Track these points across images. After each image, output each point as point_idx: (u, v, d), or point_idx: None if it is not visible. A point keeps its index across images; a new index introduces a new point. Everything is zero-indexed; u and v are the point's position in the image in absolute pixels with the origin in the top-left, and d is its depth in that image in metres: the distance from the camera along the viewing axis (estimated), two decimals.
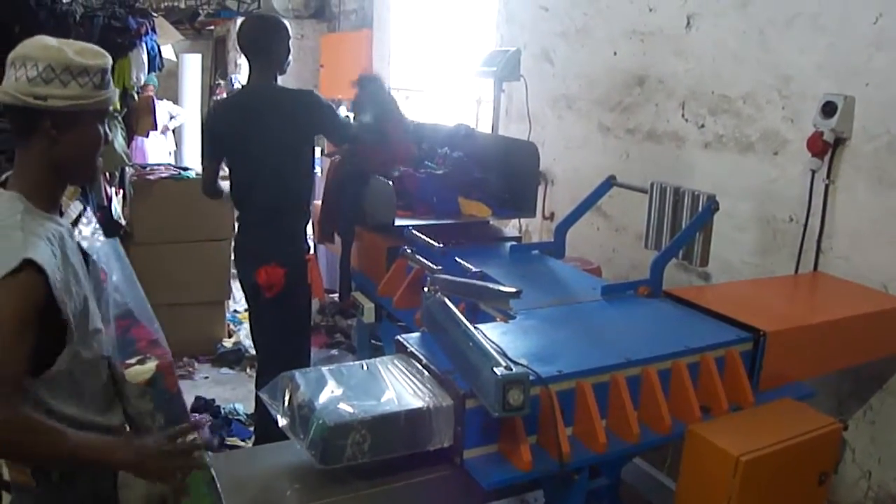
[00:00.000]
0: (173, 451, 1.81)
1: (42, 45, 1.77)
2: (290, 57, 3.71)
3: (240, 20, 9.11)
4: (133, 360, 1.86)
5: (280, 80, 3.75)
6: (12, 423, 1.62)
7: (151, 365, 1.86)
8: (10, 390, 1.63)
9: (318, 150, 5.10)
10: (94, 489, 1.97)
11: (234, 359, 5.61)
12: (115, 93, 1.91)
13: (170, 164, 6.51)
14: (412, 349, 2.33)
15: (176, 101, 9.14)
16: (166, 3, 9.73)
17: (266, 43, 3.61)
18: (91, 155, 1.90)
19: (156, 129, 5.86)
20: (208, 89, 10.35)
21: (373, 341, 4.10)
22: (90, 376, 1.91)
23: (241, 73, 9.00)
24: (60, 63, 1.76)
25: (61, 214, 1.94)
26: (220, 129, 3.73)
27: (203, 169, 3.93)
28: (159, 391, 1.88)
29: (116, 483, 2.08)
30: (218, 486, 1.97)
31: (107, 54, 1.89)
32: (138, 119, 5.21)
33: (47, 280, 1.69)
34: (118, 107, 4.66)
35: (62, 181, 1.91)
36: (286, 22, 3.74)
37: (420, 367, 2.25)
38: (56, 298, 1.72)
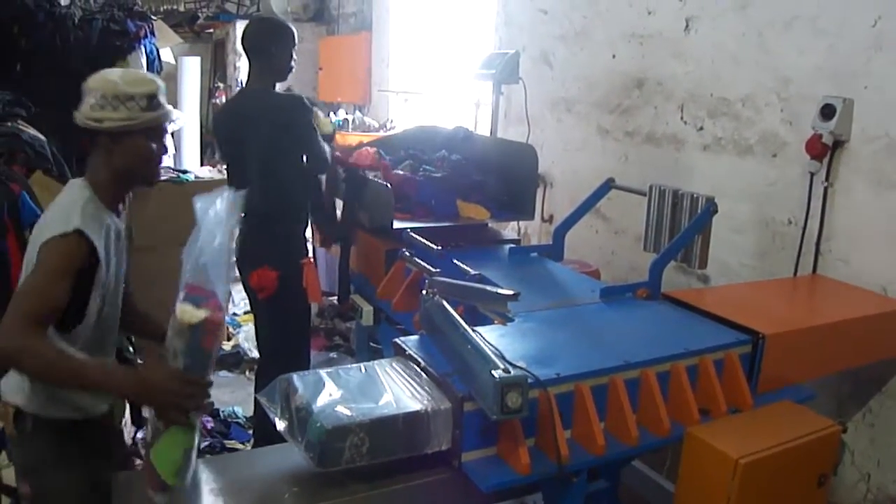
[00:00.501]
0: (180, 392, 1.93)
1: (102, 77, 2.17)
2: (293, 63, 3.70)
3: (239, 23, 9.15)
4: (190, 304, 1.94)
5: (279, 85, 3.74)
6: (27, 351, 1.93)
7: (201, 314, 1.92)
8: (34, 324, 1.95)
9: None
10: (57, 444, 2.23)
11: (233, 362, 5.59)
12: (164, 113, 2.23)
13: (168, 167, 6.49)
14: (410, 352, 2.33)
15: (175, 104, 9.08)
16: (165, 7, 9.72)
17: (266, 45, 3.60)
18: (141, 164, 2.24)
19: None
20: (207, 92, 10.33)
21: (371, 344, 4.10)
22: (95, 351, 2.20)
23: (241, 79, 8.99)
24: (111, 92, 2.14)
25: (118, 215, 2.30)
26: (219, 133, 3.73)
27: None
28: (194, 340, 1.94)
29: (85, 445, 2.25)
30: (193, 455, 2.00)
31: (156, 80, 2.23)
32: None
33: (92, 247, 2.09)
34: None
35: (122, 184, 2.27)
36: (293, 28, 3.72)
37: (418, 369, 2.25)
38: (99, 261, 2.12)
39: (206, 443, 4.34)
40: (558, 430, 2.09)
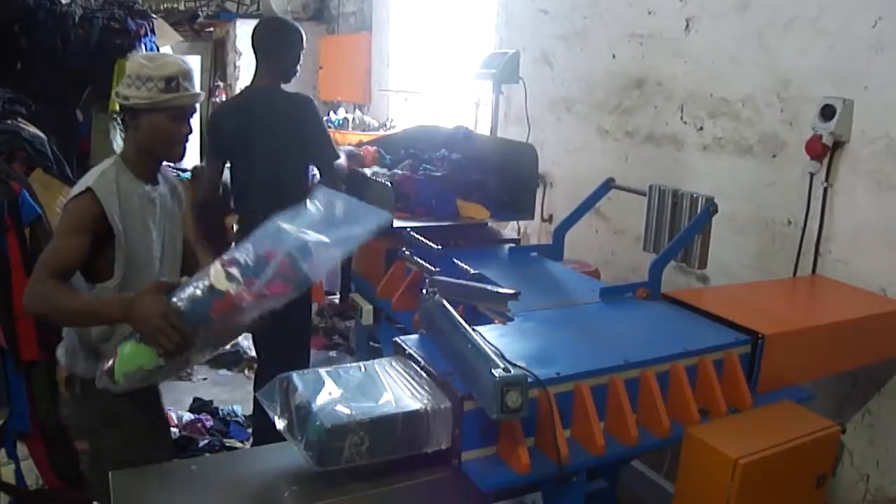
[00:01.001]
0: (161, 329, 2.04)
1: (134, 59, 2.38)
2: (299, 67, 3.71)
3: (239, 22, 9.13)
4: (231, 268, 2.05)
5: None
6: (39, 297, 2.17)
7: (227, 286, 2.03)
8: (49, 276, 2.17)
9: None
10: (106, 404, 2.39)
11: (233, 360, 5.59)
12: (183, 95, 2.38)
13: (168, 165, 6.49)
14: (410, 351, 2.32)
15: None
16: (165, 5, 9.71)
17: (276, 45, 3.61)
18: (160, 141, 2.41)
19: None
20: (207, 91, 10.34)
21: (371, 343, 4.10)
22: None
23: (241, 77, 8.99)
24: (135, 72, 2.34)
25: (156, 183, 2.52)
26: (222, 129, 3.72)
27: (207, 170, 3.90)
28: (205, 304, 2.04)
29: (133, 402, 2.38)
30: (148, 375, 2.13)
31: (179, 64, 2.40)
32: None
33: (102, 209, 2.28)
34: (116, 108, 4.66)
35: (146, 158, 2.46)
36: (302, 31, 3.73)
37: (418, 368, 2.25)
38: (108, 218, 2.29)
39: (206, 441, 4.34)
40: (558, 430, 2.08)
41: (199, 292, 2.05)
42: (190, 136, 2.49)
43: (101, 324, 2.31)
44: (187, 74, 2.40)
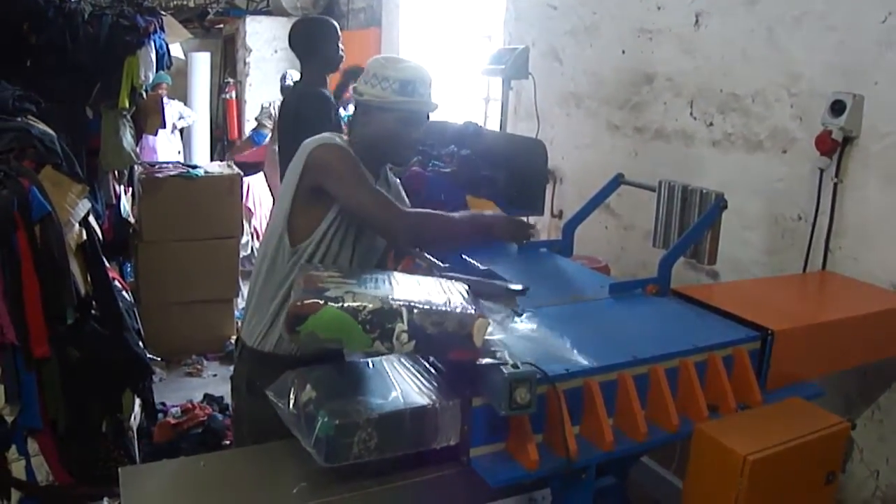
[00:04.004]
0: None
1: (376, 58, 2.48)
2: (342, 54, 3.84)
3: (249, 18, 9.15)
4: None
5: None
6: (408, 229, 2.42)
7: (480, 344, 2.00)
8: (398, 210, 2.39)
9: None
10: (250, 371, 2.52)
11: None
12: (417, 101, 2.46)
13: (178, 163, 6.51)
14: None
15: (185, 99, 9.14)
16: (175, 2, 9.75)
17: (313, 44, 3.69)
18: (385, 142, 2.49)
19: (164, 127, 5.87)
20: (217, 88, 10.36)
21: None
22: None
23: (251, 74, 9.02)
24: (373, 70, 2.44)
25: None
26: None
27: None
28: (449, 343, 1.99)
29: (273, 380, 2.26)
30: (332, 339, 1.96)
31: (418, 70, 2.47)
32: (147, 117, 5.22)
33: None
34: (126, 105, 4.68)
35: (370, 155, 2.51)
36: (335, 22, 3.85)
37: (427, 364, 2.25)
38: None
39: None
40: (567, 426, 2.08)
41: (451, 328, 1.95)
42: (418, 143, 2.58)
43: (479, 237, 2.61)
44: (426, 82, 2.47)
